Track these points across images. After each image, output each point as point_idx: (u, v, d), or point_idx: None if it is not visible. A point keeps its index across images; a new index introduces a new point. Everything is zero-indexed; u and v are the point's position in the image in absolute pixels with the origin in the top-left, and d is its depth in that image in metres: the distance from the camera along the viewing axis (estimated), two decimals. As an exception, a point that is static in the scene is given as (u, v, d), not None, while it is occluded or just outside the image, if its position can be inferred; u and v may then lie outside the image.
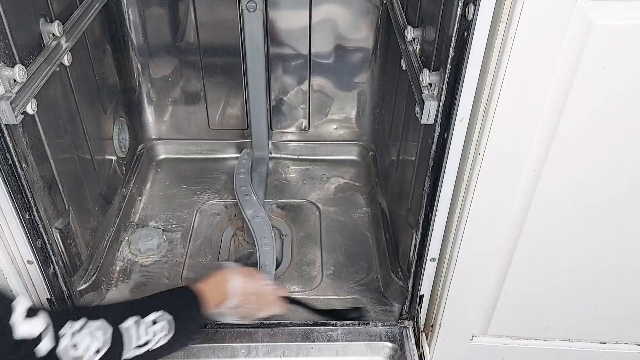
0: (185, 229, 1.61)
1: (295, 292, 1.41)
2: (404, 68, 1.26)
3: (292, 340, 1.26)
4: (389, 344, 1.26)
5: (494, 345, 1.25)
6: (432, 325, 1.25)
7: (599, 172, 0.94)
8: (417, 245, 1.16)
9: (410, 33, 1.18)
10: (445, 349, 1.26)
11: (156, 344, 0.90)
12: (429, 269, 1.17)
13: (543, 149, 0.91)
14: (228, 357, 1.23)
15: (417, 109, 1.01)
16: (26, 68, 1.00)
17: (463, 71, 0.87)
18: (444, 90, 0.92)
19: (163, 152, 1.91)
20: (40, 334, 0.76)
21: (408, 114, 1.33)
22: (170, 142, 1.91)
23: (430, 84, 0.99)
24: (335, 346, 1.25)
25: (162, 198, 1.74)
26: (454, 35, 0.86)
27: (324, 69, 1.75)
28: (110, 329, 0.86)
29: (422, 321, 1.28)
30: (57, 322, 0.80)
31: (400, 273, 1.37)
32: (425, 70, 0.99)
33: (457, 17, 0.85)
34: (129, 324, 0.89)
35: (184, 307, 0.99)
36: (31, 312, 0.77)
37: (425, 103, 0.96)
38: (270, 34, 1.66)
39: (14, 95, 0.94)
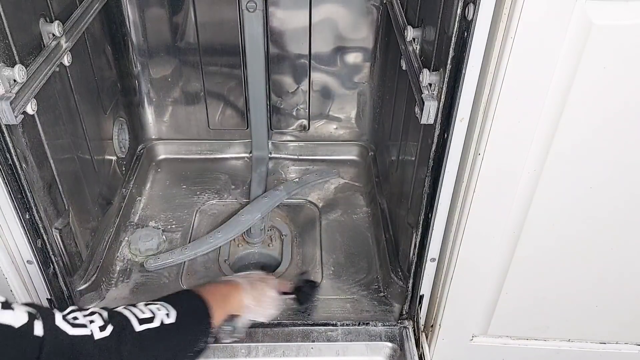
0: (185, 229, 1.61)
1: (295, 292, 1.41)
2: (404, 68, 1.26)
3: (292, 340, 1.26)
4: (389, 344, 1.26)
5: (494, 345, 1.25)
6: (432, 326, 1.25)
7: (599, 172, 0.94)
8: (417, 245, 1.16)
9: (410, 33, 1.18)
10: (445, 349, 1.26)
11: (162, 321, 0.81)
12: (429, 269, 1.17)
13: (543, 149, 0.91)
14: (228, 357, 1.23)
15: (417, 109, 1.01)
16: (26, 68, 1.00)
17: (463, 71, 0.87)
18: (443, 90, 0.92)
19: (163, 152, 1.91)
20: (31, 320, 0.70)
21: (408, 114, 1.33)
22: (170, 142, 1.90)
23: (430, 84, 0.99)
24: (335, 346, 1.25)
25: (162, 198, 1.74)
26: (454, 35, 0.86)
27: (324, 69, 1.74)
28: (105, 312, 0.77)
29: (422, 321, 1.28)
30: (43, 311, 0.72)
31: (400, 273, 1.37)
32: (425, 70, 0.99)
33: (457, 17, 0.85)
34: (120, 309, 0.81)
35: (189, 308, 0.90)
36: (7, 305, 0.70)
37: (425, 103, 0.96)
38: (270, 34, 1.66)
39: (14, 95, 0.94)
